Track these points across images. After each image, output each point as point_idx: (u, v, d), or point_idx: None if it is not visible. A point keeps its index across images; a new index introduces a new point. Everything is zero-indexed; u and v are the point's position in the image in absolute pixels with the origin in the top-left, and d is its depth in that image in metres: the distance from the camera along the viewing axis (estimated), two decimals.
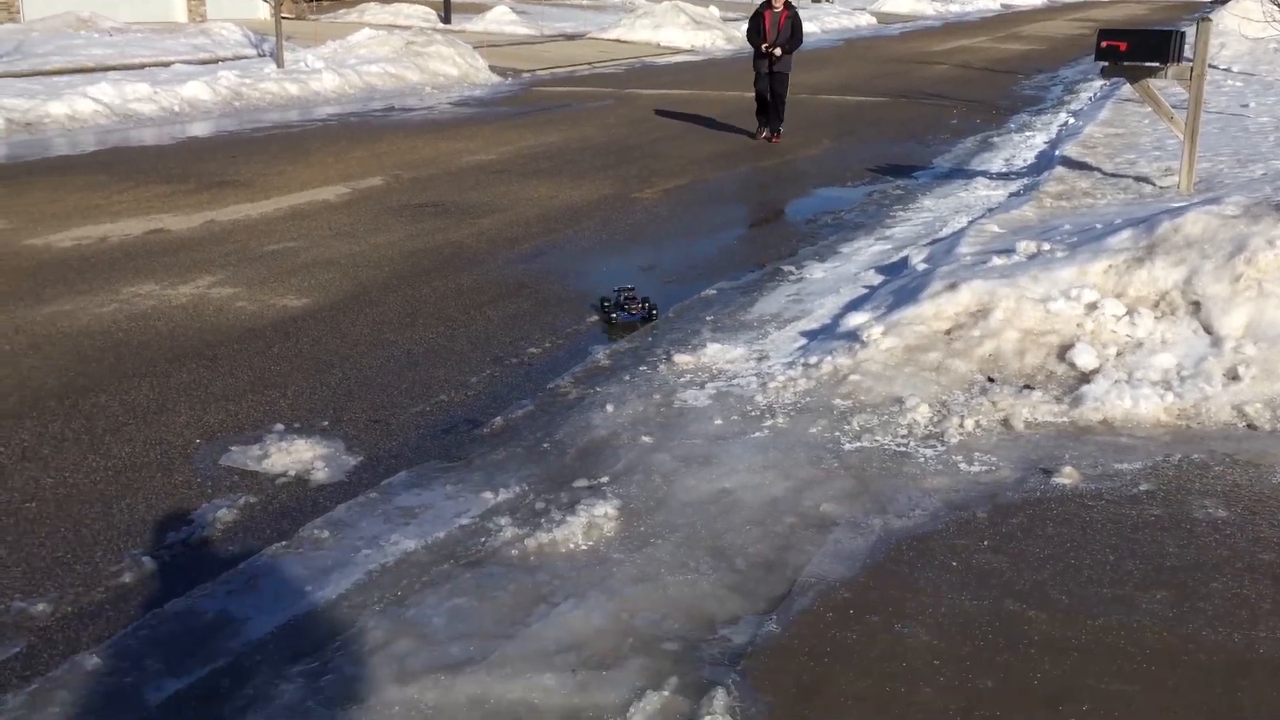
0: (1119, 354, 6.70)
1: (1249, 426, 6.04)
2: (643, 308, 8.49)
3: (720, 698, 4.04)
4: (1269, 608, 4.36)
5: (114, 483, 6.23)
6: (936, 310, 7.31)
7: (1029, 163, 15.62)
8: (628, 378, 7.65)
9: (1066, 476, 5.60)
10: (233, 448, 6.68)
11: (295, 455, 6.57)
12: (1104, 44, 10.81)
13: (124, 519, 5.80)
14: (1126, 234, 7.38)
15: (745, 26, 18.05)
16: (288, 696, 4.21)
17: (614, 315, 8.47)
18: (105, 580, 5.19)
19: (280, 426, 6.99)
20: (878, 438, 6.32)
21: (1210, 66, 15.08)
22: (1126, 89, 15.63)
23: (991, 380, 6.83)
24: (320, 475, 6.36)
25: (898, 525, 5.31)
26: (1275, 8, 24.93)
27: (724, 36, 35.61)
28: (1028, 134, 18.58)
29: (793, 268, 10.57)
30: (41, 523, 5.75)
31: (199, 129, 18.53)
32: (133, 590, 5.11)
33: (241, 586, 5.08)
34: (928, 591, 4.70)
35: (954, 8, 60.05)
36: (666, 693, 4.11)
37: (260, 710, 4.13)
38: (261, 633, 4.69)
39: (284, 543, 5.48)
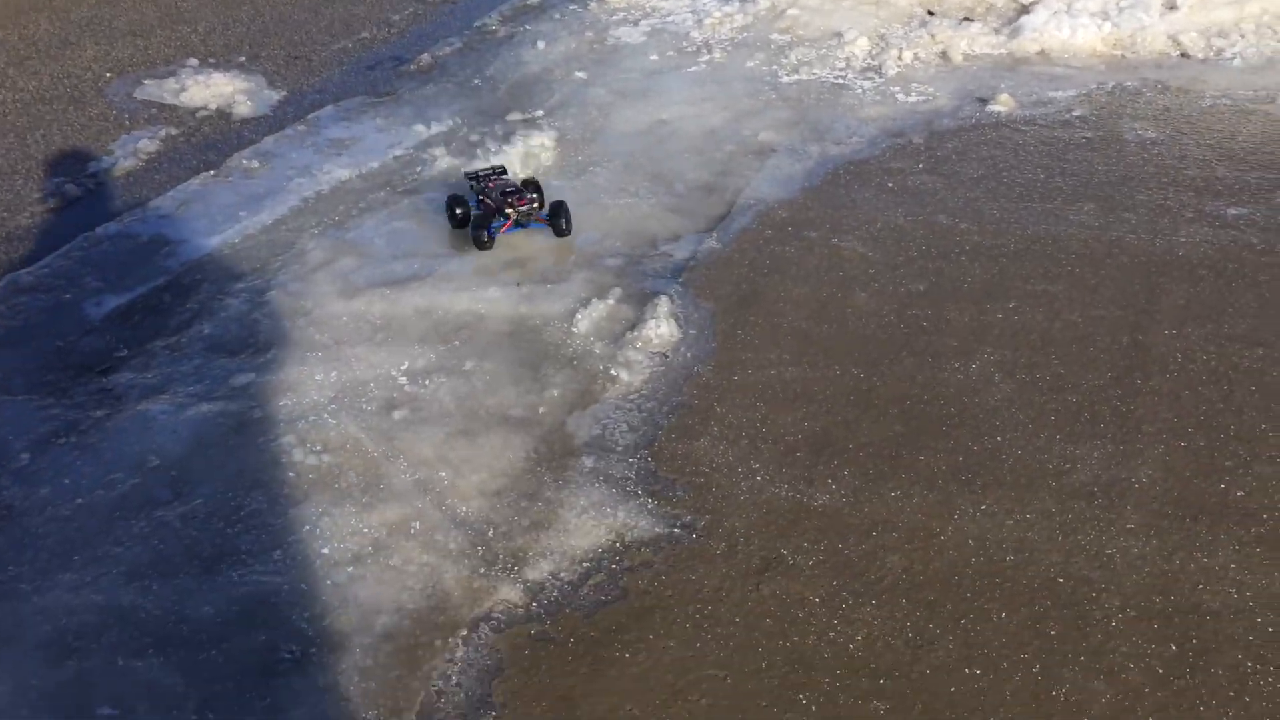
0: None
1: (1182, 55, 6.05)
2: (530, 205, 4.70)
3: (663, 305, 4.14)
4: (1190, 215, 4.51)
5: (24, 115, 5.97)
6: None
7: None
8: (558, 16, 7.37)
9: (1002, 104, 5.61)
10: (147, 82, 6.40)
11: (214, 89, 6.31)
12: None
13: (40, 150, 5.60)
14: None
15: None
16: (233, 309, 4.23)
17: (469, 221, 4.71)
18: (29, 206, 5.07)
19: (194, 61, 6.69)
20: (816, 70, 6.23)
21: None
22: None
23: (931, 14, 6.70)
24: (243, 109, 6.15)
25: (835, 151, 5.32)
26: None
27: None
28: None
29: None
30: None
31: None
32: (60, 215, 5.00)
33: (173, 211, 4.99)
34: (864, 210, 4.77)
35: None
36: (611, 301, 4.20)
37: (206, 321, 4.16)
38: (199, 254, 4.66)
39: (212, 172, 5.35)
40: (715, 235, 4.65)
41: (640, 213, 4.89)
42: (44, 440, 3.53)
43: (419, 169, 5.36)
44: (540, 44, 6.86)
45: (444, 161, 5.39)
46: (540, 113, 5.96)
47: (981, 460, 3.32)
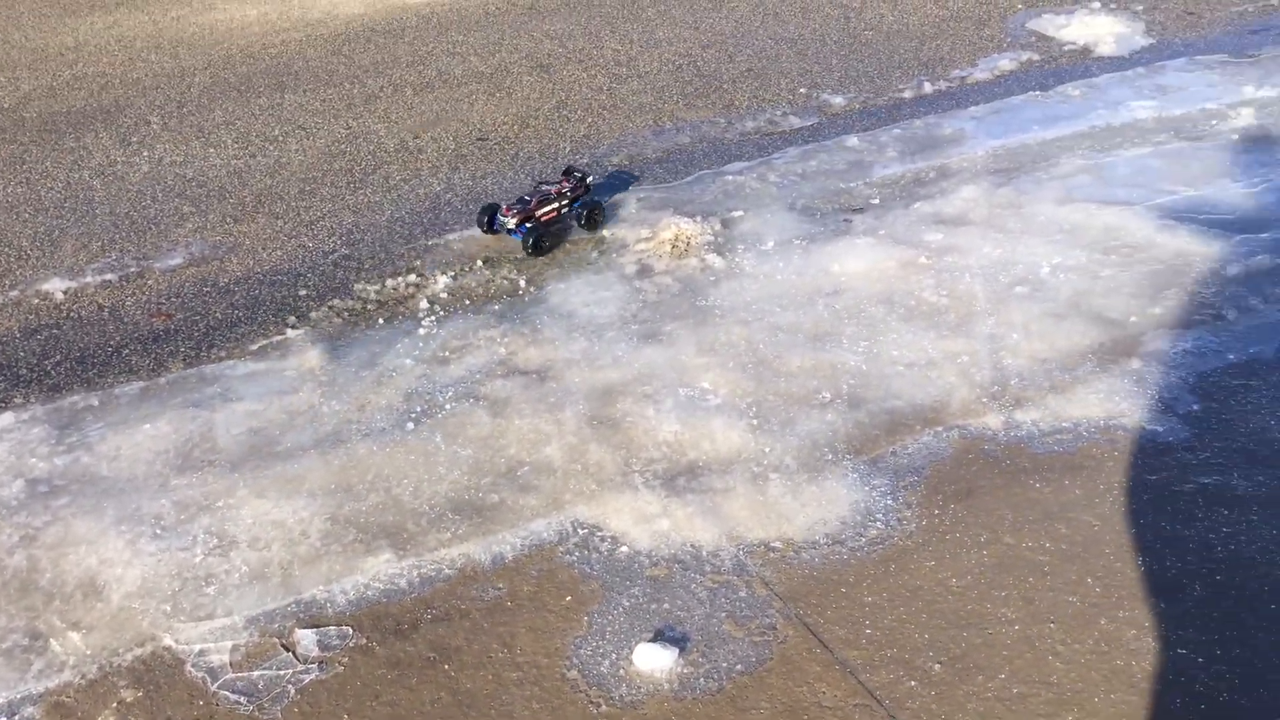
0: None
1: None
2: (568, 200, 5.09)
3: None
4: None
5: (935, 28, 7.41)
6: None
7: None
8: None
9: None
10: (1045, 15, 7.47)
11: (1093, 29, 7.14)
12: None
13: (928, 56, 6.98)
14: None
15: None
16: (965, 193, 5.21)
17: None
18: (892, 94, 6.49)
19: (1096, 4, 7.52)
20: None
21: None
22: None
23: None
24: (1105, 49, 6.90)
25: None
26: None
27: None
28: None
29: None
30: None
31: None
32: (903, 105, 6.34)
33: (984, 116, 6.05)
34: None
35: None
36: None
37: (939, 199, 5.20)
38: (979, 149, 5.67)
39: (1038, 93, 6.27)
40: None
41: None
42: (788, 240, 4.95)
43: (1214, 122, 5.71)
44: None
45: (1243, 120, 5.67)
46: None
47: None
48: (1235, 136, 5.53)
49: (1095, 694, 2.69)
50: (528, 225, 4.88)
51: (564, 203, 5.02)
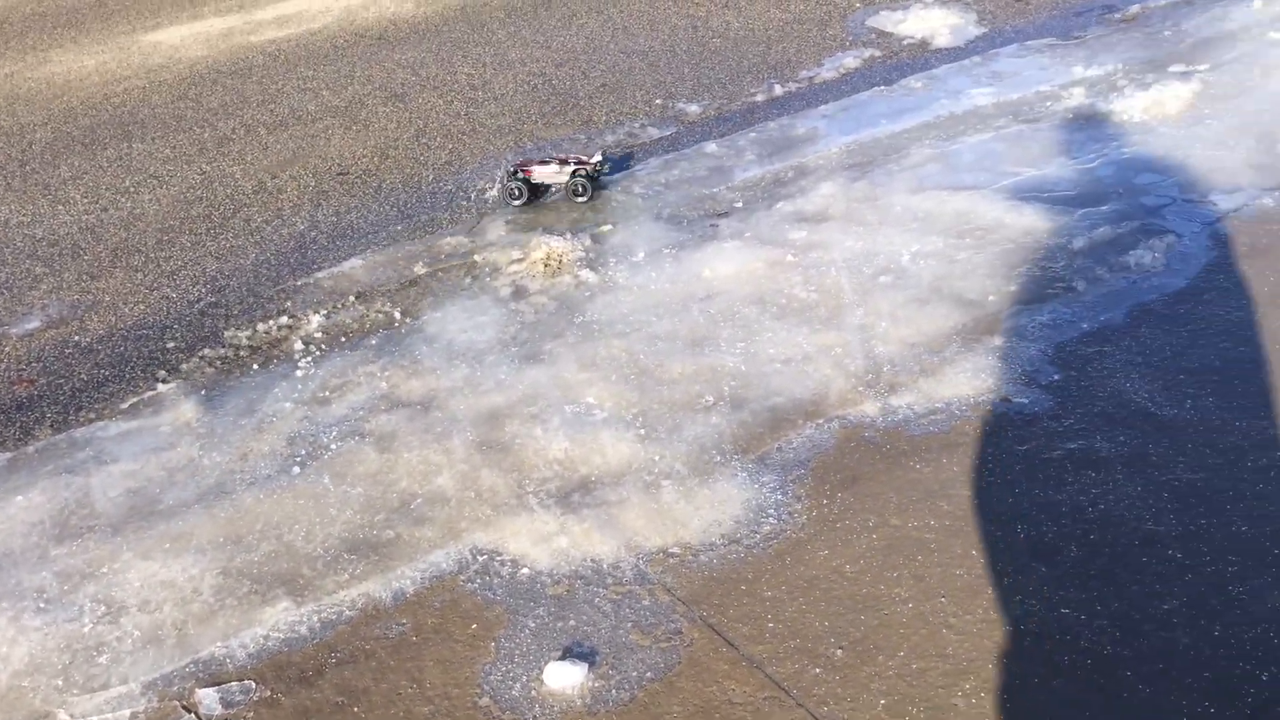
0: None
1: None
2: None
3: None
4: None
5: (779, 32, 7.58)
6: None
7: None
8: None
9: None
10: (882, 12, 7.69)
11: (928, 22, 7.39)
12: None
13: (775, 58, 7.15)
14: None
15: None
16: (824, 190, 5.35)
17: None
18: (744, 99, 6.63)
19: None
20: None
21: None
22: None
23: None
24: (941, 40, 7.14)
25: None
26: None
27: None
28: None
29: None
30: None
31: None
32: (756, 109, 6.49)
33: (833, 114, 6.23)
34: None
35: None
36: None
37: (799, 197, 5.34)
38: (831, 146, 5.83)
39: (882, 88, 6.48)
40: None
41: (1218, 164, 5.07)
42: (658, 249, 5.02)
43: (1049, 103, 5.98)
44: (1257, 3, 6.86)
45: (1075, 100, 5.94)
46: (1205, 67, 6.15)
47: None
48: (1069, 115, 5.79)
49: (989, 661, 2.80)
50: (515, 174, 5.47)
51: (563, 169, 5.45)
